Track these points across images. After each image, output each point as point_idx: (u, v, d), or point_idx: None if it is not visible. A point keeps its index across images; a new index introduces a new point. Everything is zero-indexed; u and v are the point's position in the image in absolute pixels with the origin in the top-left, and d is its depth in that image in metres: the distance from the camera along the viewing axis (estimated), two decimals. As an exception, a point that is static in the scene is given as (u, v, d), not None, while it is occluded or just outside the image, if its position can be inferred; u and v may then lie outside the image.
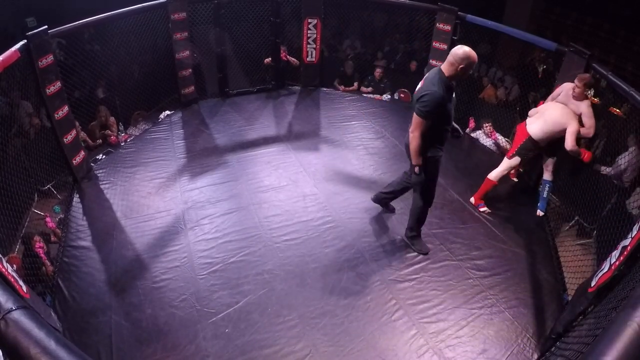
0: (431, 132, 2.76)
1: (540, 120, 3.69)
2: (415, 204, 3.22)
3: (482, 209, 3.88)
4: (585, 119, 3.64)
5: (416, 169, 2.86)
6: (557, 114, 3.64)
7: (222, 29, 5.39)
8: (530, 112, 3.92)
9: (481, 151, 4.91)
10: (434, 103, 2.63)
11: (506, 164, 3.84)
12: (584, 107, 3.64)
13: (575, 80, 3.66)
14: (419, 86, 2.78)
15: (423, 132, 2.74)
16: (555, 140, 3.69)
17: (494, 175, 3.85)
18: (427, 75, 2.77)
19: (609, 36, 7.86)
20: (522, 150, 3.78)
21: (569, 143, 3.55)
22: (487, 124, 4.96)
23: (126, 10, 4.44)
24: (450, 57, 2.64)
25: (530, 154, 3.81)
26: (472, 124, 5.20)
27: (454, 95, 2.83)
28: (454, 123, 2.95)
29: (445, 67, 2.67)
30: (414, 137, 2.75)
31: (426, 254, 3.34)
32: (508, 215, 3.84)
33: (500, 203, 3.98)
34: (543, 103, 4.00)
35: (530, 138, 3.70)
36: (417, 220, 3.29)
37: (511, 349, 2.70)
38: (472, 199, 3.97)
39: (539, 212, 3.98)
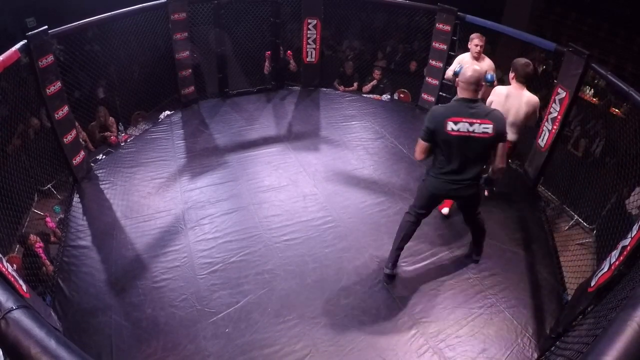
0: None
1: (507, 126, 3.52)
2: (482, 223, 3.11)
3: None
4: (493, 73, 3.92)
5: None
6: (520, 106, 3.38)
7: (222, 29, 5.39)
8: None
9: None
10: None
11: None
12: (490, 62, 4.15)
13: (478, 40, 4.08)
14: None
15: None
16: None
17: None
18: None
19: (609, 36, 7.87)
20: (512, 153, 3.75)
21: (534, 121, 3.52)
22: None
23: (126, 11, 4.44)
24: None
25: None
26: None
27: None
28: None
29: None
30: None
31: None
32: (508, 215, 3.84)
33: (500, 203, 3.98)
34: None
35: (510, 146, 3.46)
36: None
37: (511, 348, 2.71)
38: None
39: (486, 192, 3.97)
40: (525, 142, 3.94)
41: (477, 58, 4.13)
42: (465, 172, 2.65)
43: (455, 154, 2.59)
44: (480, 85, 2.57)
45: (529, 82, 3.40)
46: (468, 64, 3.99)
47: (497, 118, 2.55)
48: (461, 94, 2.57)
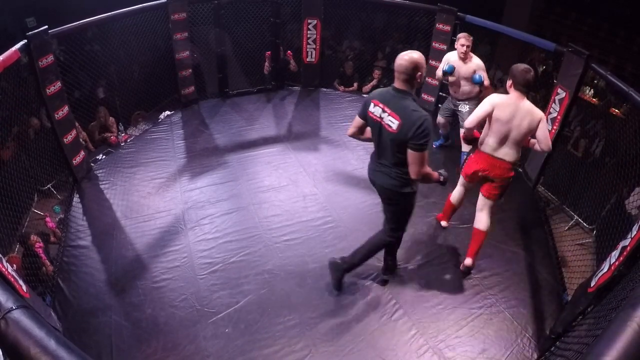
0: None
1: (509, 144, 2.90)
2: (380, 242, 2.89)
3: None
4: (482, 72, 4.00)
5: None
6: (521, 120, 2.81)
7: (222, 29, 5.39)
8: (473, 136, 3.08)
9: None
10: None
11: (491, 207, 3.16)
12: (478, 61, 4.05)
13: (464, 40, 4.01)
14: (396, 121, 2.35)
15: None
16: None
17: (484, 225, 3.14)
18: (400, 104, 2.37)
19: (609, 36, 7.87)
20: (508, 187, 3.11)
21: (546, 144, 2.86)
22: None
23: (126, 11, 4.45)
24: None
25: None
26: None
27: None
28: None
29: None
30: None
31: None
32: (508, 215, 3.84)
33: (499, 203, 3.98)
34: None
35: (510, 168, 2.99)
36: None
37: (511, 349, 2.71)
38: (468, 261, 3.18)
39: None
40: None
41: (463, 58, 4.07)
42: (383, 160, 2.55)
43: (376, 138, 2.54)
44: (416, 78, 2.32)
45: (530, 90, 2.89)
46: (456, 63, 4.07)
47: (410, 119, 2.28)
48: (395, 81, 2.41)
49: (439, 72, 4.28)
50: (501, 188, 3.08)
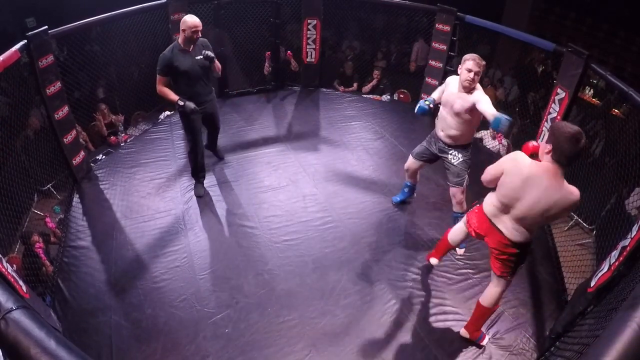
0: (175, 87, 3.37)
1: (512, 218, 2.23)
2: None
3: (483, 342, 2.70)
4: (485, 105, 2.75)
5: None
6: (548, 200, 2.05)
7: (222, 29, 5.39)
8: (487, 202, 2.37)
9: (484, 153, 4.88)
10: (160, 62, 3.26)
11: (504, 284, 2.46)
12: (480, 95, 2.82)
13: (473, 64, 2.77)
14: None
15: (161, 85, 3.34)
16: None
17: (487, 300, 2.55)
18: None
19: (608, 37, 7.88)
20: (518, 263, 2.39)
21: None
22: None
23: (126, 11, 4.44)
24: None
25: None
26: None
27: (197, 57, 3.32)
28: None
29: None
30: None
31: (200, 196, 3.87)
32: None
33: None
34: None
35: (509, 244, 2.29)
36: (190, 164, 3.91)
37: (511, 348, 2.71)
38: (463, 332, 2.73)
39: (459, 251, 3.31)
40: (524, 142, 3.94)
41: (468, 88, 2.85)
42: None
43: None
44: (181, 32, 3.19)
45: (571, 164, 2.03)
46: (453, 95, 2.93)
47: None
48: None
49: (421, 103, 3.06)
50: (503, 263, 2.36)
